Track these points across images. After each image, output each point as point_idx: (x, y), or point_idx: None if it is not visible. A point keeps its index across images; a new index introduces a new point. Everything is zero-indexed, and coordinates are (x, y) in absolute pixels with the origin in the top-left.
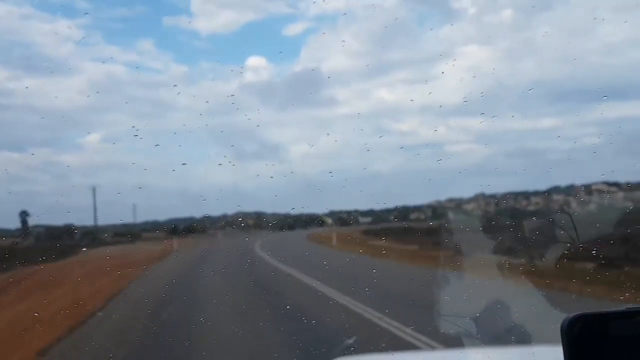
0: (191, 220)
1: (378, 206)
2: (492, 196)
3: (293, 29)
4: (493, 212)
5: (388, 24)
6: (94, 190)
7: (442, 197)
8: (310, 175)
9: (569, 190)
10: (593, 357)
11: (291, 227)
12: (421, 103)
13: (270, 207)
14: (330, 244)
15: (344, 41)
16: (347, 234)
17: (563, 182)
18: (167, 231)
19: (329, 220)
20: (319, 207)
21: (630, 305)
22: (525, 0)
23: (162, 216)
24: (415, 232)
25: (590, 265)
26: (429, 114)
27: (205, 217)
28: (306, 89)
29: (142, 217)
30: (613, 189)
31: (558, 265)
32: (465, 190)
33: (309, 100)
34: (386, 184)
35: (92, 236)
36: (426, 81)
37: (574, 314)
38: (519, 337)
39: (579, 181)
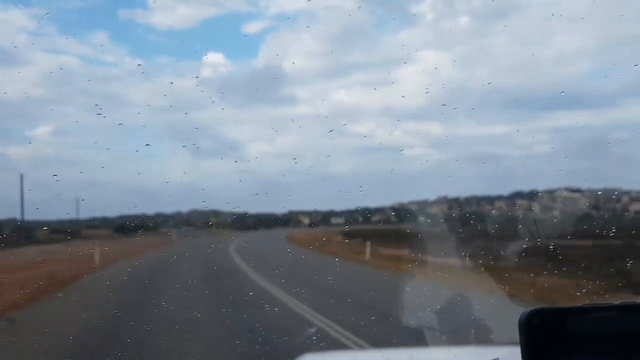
0: (142, 217)
1: (337, 207)
2: (455, 199)
3: (252, 27)
4: (460, 214)
5: (348, 26)
6: (21, 178)
7: (401, 199)
8: (269, 174)
9: (532, 195)
10: (550, 352)
11: (255, 227)
12: (380, 106)
13: (226, 205)
14: (340, 254)
15: (303, 41)
16: (324, 235)
17: (516, 187)
18: (113, 229)
19: (306, 220)
20: (278, 207)
21: (588, 303)
22: (482, 8)
23: (111, 212)
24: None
25: (548, 265)
26: (387, 116)
27: (158, 214)
28: (265, 88)
29: (91, 213)
30: (575, 195)
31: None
32: (420, 193)
33: (268, 98)
34: (345, 184)
35: (21, 232)
36: (384, 84)
37: (532, 308)
38: (479, 330)
39: (531, 187)
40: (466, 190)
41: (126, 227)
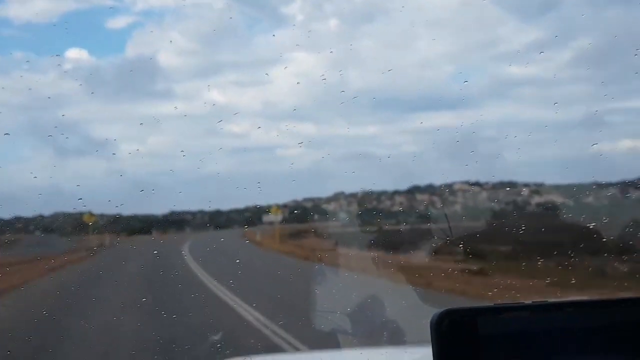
0: None
1: (224, 207)
2: (353, 195)
3: (117, 22)
4: (359, 210)
5: (218, 25)
6: None
7: (290, 197)
8: (141, 175)
9: (430, 189)
10: (461, 353)
11: (142, 230)
12: (254, 106)
13: (96, 207)
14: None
15: (172, 38)
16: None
17: (398, 184)
18: None
19: (276, 216)
20: (153, 208)
21: (499, 302)
22: (350, 11)
23: None
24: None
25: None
26: (261, 116)
27: (15, 218)
28: (133, 86)
29: None
30: (475, 188)
31: (428, 260)
32: (309, 191)
33: (137, 97)
34: (225, 184)
35: None
36: (257, 84)
37: (443, 309)
38: (392, 332)
39: (402, 185)
40: (352, 187)
41: None
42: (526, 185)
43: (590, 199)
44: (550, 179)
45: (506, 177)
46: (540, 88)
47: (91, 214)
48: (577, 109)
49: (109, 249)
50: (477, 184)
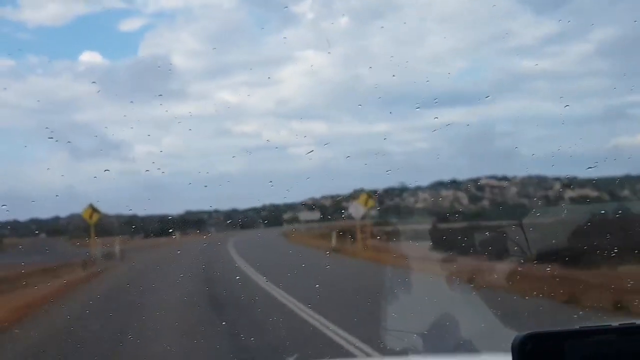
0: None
1: (239, 206)
2: (374, 191)
3: (129, 25)
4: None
5: (227, 25)
6: None
7: (310, 195)
8: (155, 175)
9: (455, 184)
10: None
11: (164, 232)
12: (264, 105)
13: (111, 208)
14: None
15: (183, 40)
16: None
17: (401, 181)
18: None
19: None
20: (169, 209)
21: (584, 325)
22: (360, 8)
23: None
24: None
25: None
26: (272, 116)
27: (32, 220)
28: (146, 88)
29: None
30: (503, 183)
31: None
32: (306, 192)
33: (149, 99)
34: (240, 184)
35: None
36: (267, 84)
37: (526, 332)
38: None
39: (418, 181)
40: (364, 184)
41: None
42: (557, 179)
43: (625, 192)
44: (565, 173)
45: (521, 172)
46: (555, 81)
47: (93, 209)
48: (593, 102)
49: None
50: (504, 178)
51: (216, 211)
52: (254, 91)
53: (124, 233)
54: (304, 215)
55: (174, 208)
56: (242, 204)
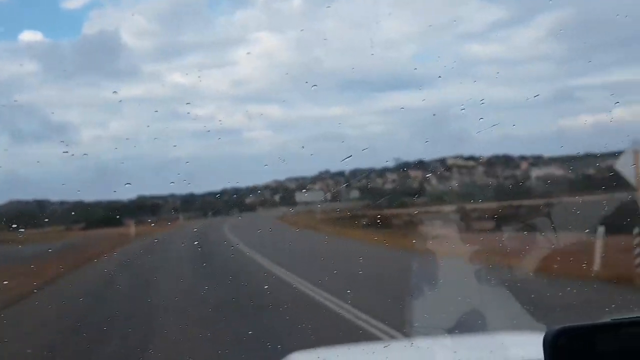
0: None
1: (196, 190)
2: (340, 174)
3: (73, 3)
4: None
5: (179, 4)
6: None
7: (268, 179)
8: (104, 160)
9: (421, 165)
10: None
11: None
12: (218, 88)
13: (55, 194)
14: None
15: (132, 19)
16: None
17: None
18: None
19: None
20: (118, 194)
21: (616, 317)
22: None
23: None
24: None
25: None
26: (225, 99)
27: None
28: (93, 68)
29: None
30: (470, 163)
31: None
32: (261, 176)
33: (97, 80)
34: (194, 168)
35: None
36: (221, 66)
37: (558, 326)
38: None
39: (374, 164)
40: (322, 167)
41: None
42: (523, 157)
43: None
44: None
45: (476, 154)
46: (503, 66)
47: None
48: (541, 86)
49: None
50: (471, 158)
51: (172, 196)
52: (207, 73)
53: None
54: (270, 199)
55: (125, 194)
56: (200, 189)
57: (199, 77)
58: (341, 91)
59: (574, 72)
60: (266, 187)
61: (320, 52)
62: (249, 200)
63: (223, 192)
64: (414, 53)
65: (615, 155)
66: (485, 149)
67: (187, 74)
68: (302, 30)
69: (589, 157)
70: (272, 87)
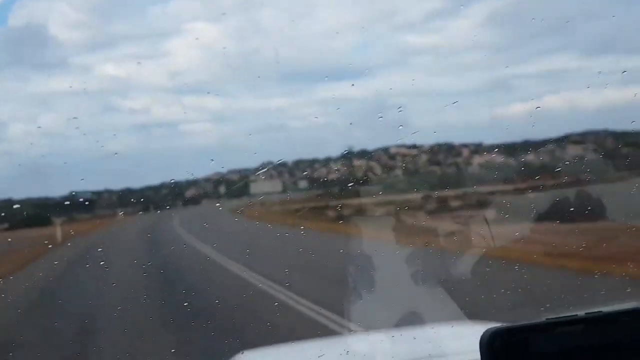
0: None
1: (133, 185)
2: (283, 165)
3: None
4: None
5: None
6: None
7: (181, 175)
8: (33, 156)
9: (364, 154)
10: None
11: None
12: (153, 80)
13: None
14: None
15: (60, 10)
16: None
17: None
18: None
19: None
20: (50, 191)
21: (550, 316)
22: None
23: None
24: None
25: None
26: (161, 92)
27: None
28: (19, 61)
29: None
30: (413, 151)
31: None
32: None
33: (24, 73)
34: (130, 162)
35: None
36: (155, 57)
37: (493, 327)
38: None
39: (317, 154)
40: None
41: None
42: (464, 145)
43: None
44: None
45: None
46: (440, 56)
47: None
48: (476, 75)
49: None
50: (414, 146)
51: (108, 191)
52: (142, 65)
53: None
54: (214, 191)
55: (56, 190)
56: (137, 183)
57: (135, 69)
58: (282, 82)
59: (509, 60)
60: (208, 179)
61: (259, 42)
62: (190, 193)
63: (162, 186)
64: (353, 44)
65: (551, 142)
66: (427, 138)
67: (120, 66)
68: (235, 20)
69: (526, 145)
70: (210, 79)
